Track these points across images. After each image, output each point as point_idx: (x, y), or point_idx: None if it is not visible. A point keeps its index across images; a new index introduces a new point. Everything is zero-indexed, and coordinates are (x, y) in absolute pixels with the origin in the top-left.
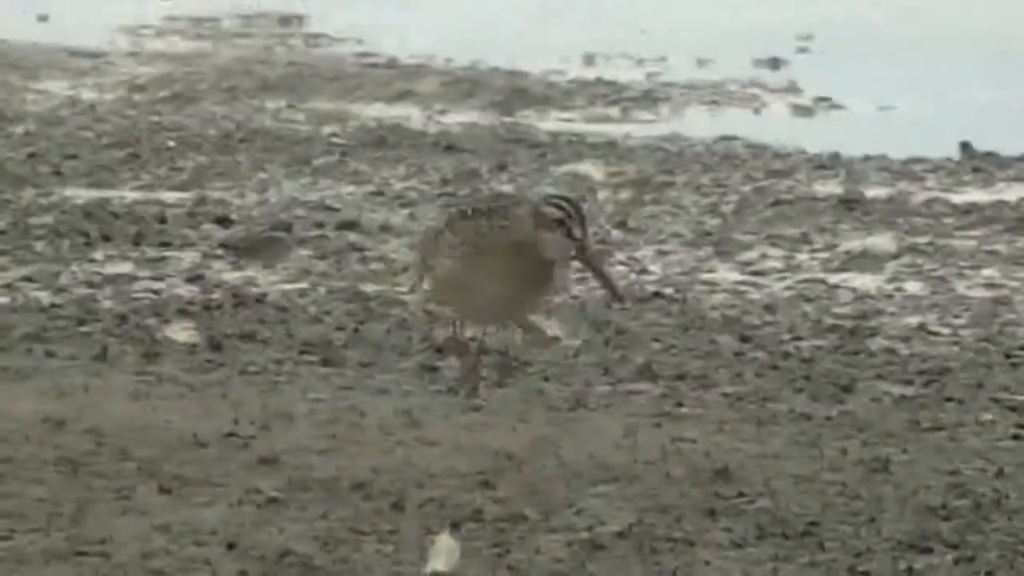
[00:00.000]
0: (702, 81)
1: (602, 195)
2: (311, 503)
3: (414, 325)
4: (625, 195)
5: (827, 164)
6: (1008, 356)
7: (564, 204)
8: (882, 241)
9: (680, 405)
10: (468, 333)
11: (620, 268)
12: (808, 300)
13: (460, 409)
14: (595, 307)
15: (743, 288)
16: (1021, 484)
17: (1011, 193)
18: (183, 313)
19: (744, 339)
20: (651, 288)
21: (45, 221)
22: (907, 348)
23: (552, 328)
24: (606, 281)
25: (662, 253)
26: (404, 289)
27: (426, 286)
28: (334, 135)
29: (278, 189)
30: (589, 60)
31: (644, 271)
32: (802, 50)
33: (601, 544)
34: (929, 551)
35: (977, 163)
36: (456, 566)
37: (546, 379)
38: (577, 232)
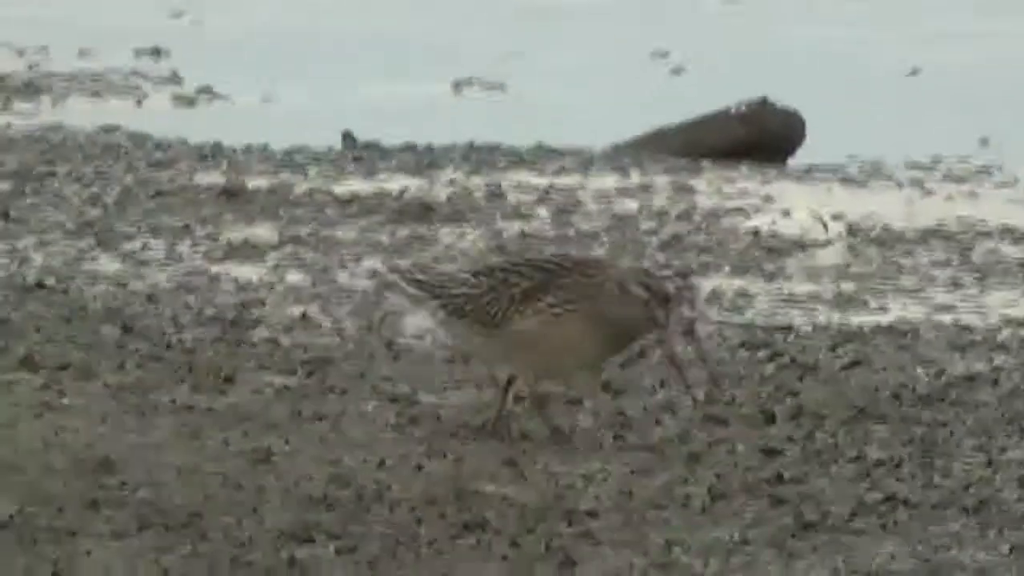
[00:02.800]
0: (84, 71)
1: None
2: None
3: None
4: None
5: (209, 154)
6: (390, 347)
7: (652, 284)
8: (264, 231)
9: (62, 395)
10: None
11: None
12: (190, 291)
13: None
14: None
15: (125, 279)
16: (402, 475)
17: (393, 183)
18: None
19: (126, 329)
20: (33, 278)
21: None
22: (289, 338)
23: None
24: (678, 372)
25: (44, 243)
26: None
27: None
28: None
29: None
30: None
31: (26, 261)
32: (183, 38)
33: None
34: (311, 541)
35: (359, 153)
36: None
37: None
38: (660, 317)
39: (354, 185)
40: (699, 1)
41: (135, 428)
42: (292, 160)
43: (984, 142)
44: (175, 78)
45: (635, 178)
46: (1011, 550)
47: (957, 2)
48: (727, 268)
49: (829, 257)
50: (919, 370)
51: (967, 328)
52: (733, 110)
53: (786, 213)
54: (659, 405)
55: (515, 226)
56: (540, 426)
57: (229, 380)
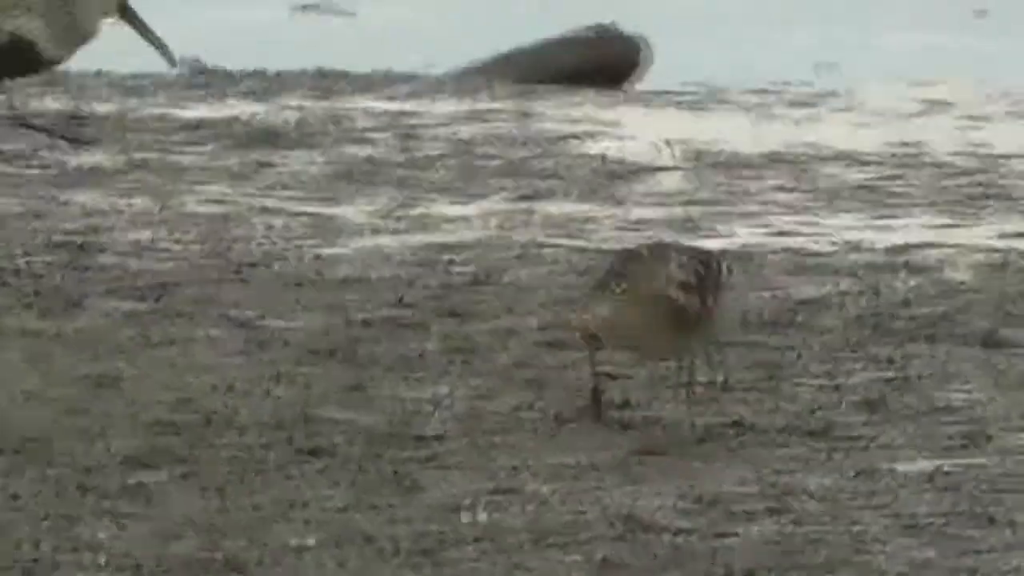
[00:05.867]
0: None
1: None
2: None
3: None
4: None
5: (54, 82)
6: (237, 271)
7: (692, 265)
8: (108, 157)
9: None
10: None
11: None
12: (37, 216)
13: None
14: None
15: None
16: (250, 400)
17: (239, 109)
18: None
19: None
20: None
21: None
22: (136, 263)
23: None
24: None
25: None
26: None
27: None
28: None
29: None
30: None
31: None
32: None
33: None
34: (157, 467)
35: (206, 79)
36: None
37: None
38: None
39: (200, 111)
40: None
41: None
42: (137, 86)
43: (824, 66)
44: None
45: (481, 103)
46: (856, 474)
47: None
48: (572, 194)
49: (672, 182)
50: (764, 295)
51: (810, 253)
52: (578, 34)
53: (629, 138)
54: (503, 329)
55: (361, 151)
56: (386, 350)
57: (76, 305)
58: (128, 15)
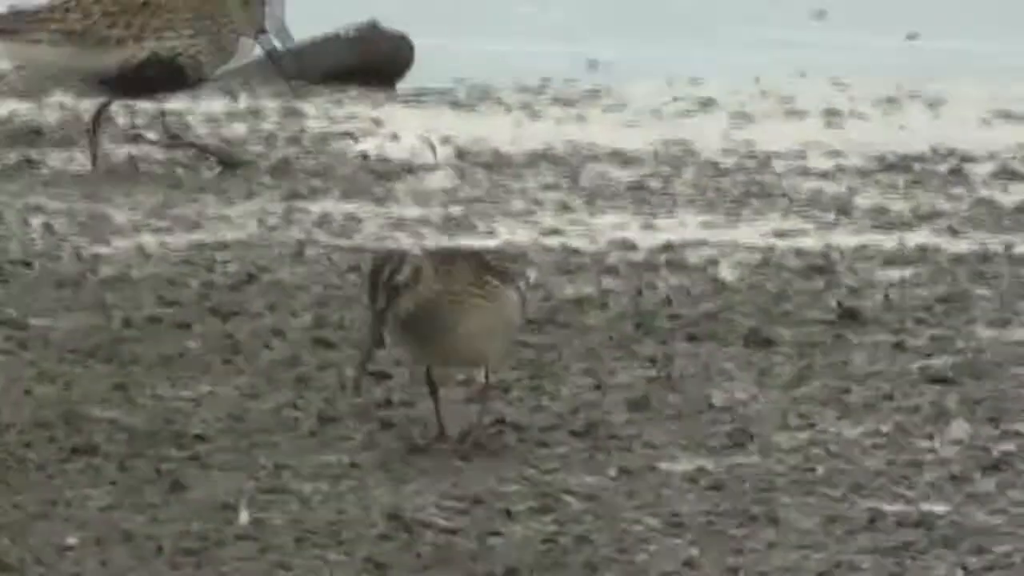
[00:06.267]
0: None
1: None
2: None
3: None
4: None
5: None
6: None
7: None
8: None
9: None
10: None
11: None
12: None
13: None
14: None
15: None
16: (11, 399)
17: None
18: None
19: None
20: None
21: None
22: None
23: None
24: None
25: None
26: None
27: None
28: None
29: None
30: None
31: None
32: None
33: None
34: None
35: None
36: None
37: None
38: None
39: None
40: None
41: None
42: None
43: (592, 65)
44: None
45: (244, 102)
46: (619, 473)
47: None
48: (336, 192)
49: (438, 181)
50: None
51: (576, 251)
52: (342, 33)
53: (395, 137)
54: (268, 328)
55: (125, 150)
56: (149, 350)
57: None
58: (261, 38)
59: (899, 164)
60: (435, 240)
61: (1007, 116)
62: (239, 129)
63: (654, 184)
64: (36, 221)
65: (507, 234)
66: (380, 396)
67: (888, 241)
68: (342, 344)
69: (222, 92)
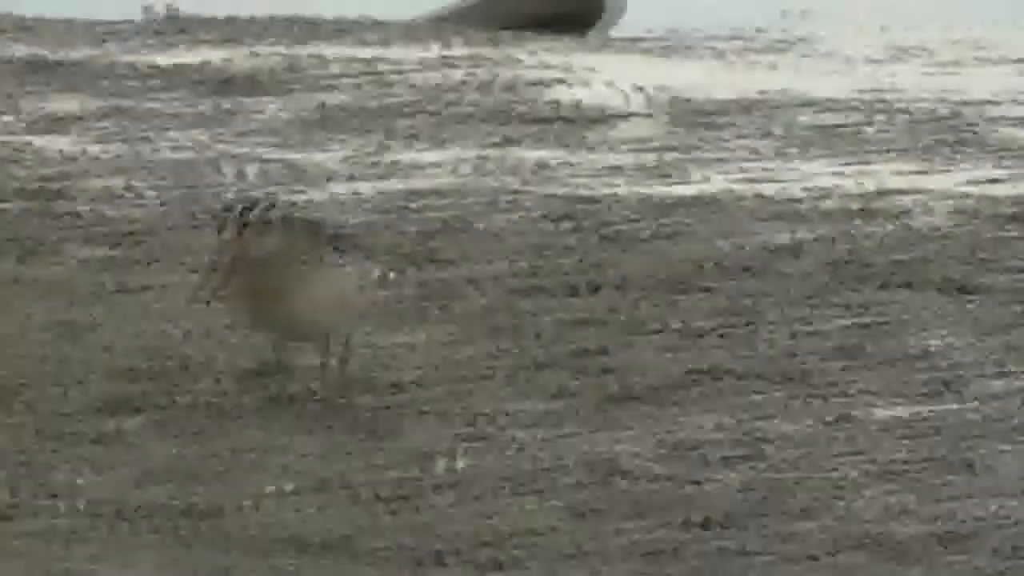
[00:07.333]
0: None
1: None
2: None
3: None
4: None
5: (20, 27)
6: (195, 217)
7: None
8: (78, 103)
9: None
10: None
11: None
12: (2, 163)
13: None
14: None
15: None
16: (226, 346)
17: (208, 55)
18: None
19: None
20: None
21: None
22: (103, 210)
23: None
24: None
25: None
26: None
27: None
28: None
29: None
30: None
31: None
32: None
33: None
34: (133, 413)
35: (180, 24)
36: None
37: None
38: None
39: (168, 57)
40: None
41: None
42: (108, 31)
43: (786, 13)
44: None
45: (445, 50)
46: (821, 420)
47: None
48: (536, 139)
49: (633, 129)
50: (729, 240)
51: (770, 199)
52: None
53: (597, 85)
54: (470, 276)
55: (333, 98)
56: None
57: (50, 252)
58: None
59: None
60: (631, 188)
61: None
62: (432, 77)
63: (849, 132)
64: (246, 169)
65: (701, 181)
66: (584, 344)
67: None
68: (544, 293)
69: (415, 41)
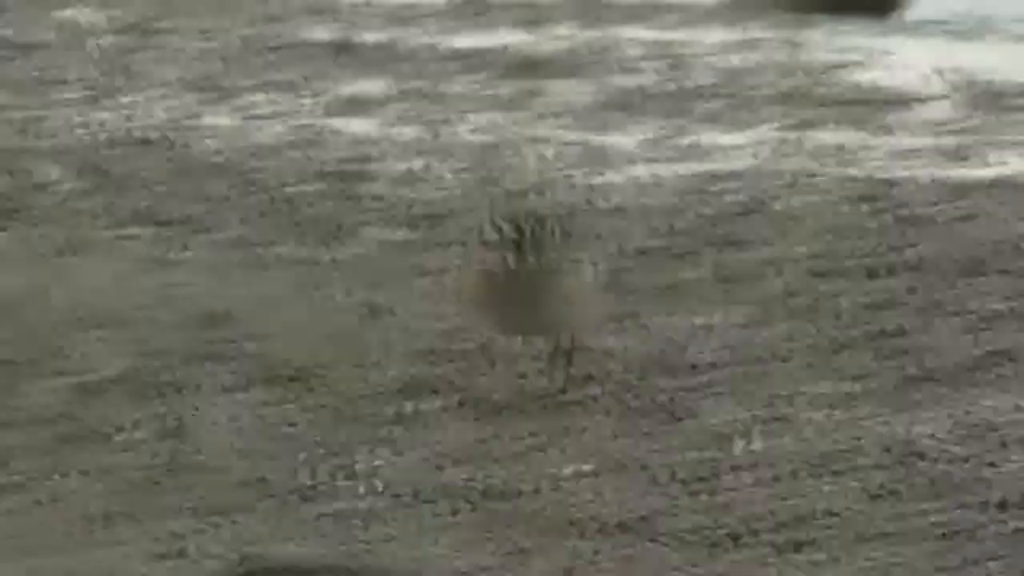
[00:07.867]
0: None
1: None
2: None
3: None
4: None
5: (322, 9)
6: (509, 200)
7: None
8: (376, 86)
9: (173, 251)
10: None
11: None
12: (303, 145)
13: None
14: (87, 151)
15: (238, 133)
16: None
17: (504, 38)
18: None
19: (238, 184)
20: (146, 133)
21: None
22: (401, 193)
23: None
24: None
25: (157, 98)
26: None
27: None
28: None
29: None
30: None
31: (138, 116)
32: None
33: (93, 389)
34: (431, 395)
35: (476, 7)
36: None
37: (35, 224)
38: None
39: (467, 40)
40: None
41: (245, 283)
42: (404, 14)
43: None
44: None
45: (744, 33)
46: None
47: None
48: (836, 122)
49: (939, 111)
50: None
51: None
52: None
53: (895, 67)
54: (768, 259)
55: (631, 80)
56: (645, 280)
57: (343, 234)
58: None
59: None
60: (929, 170)
61: None
62: (738, 60)
63: None
64: (544, 151)
65: (999, 164)
66: (881, 326)
67: None
68: (842, 274)
69: (722, 23)
